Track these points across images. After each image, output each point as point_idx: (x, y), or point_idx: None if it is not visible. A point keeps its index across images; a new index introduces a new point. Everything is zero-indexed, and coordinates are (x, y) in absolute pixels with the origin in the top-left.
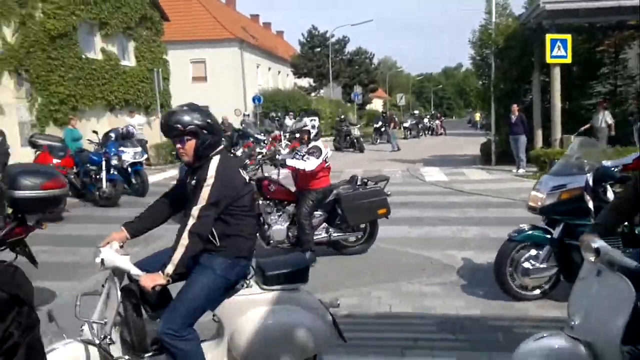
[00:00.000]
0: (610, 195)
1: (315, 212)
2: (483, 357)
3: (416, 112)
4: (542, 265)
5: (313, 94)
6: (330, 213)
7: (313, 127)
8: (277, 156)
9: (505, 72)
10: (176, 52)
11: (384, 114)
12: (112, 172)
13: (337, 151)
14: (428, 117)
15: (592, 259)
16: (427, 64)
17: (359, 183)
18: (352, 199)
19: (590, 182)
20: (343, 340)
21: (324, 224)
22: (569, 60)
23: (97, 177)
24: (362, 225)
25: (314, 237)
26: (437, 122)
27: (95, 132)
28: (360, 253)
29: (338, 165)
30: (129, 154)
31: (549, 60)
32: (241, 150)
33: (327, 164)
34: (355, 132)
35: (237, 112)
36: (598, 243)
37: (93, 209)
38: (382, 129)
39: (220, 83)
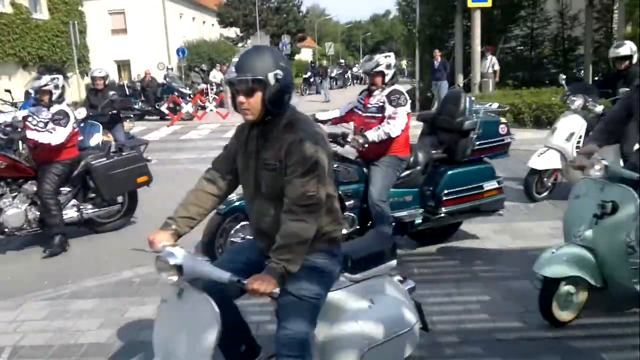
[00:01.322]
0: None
1: (62, 188)
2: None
3: (342, 61)
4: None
5: (240, 45)
6: (81, 187)
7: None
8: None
9: (429, 17)
10: (93, 2)
11: (312, 64)
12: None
13: None
14: (357, 66)
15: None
16: (356, 11)
17: (113, 150)
18: (105, 169)
19: None
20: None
21: (74, 200)
22: (489, 4)
23: (7, 135)
24: (120, 198)
25: (63, 218)
26: None
27: (8, 90)
28: (118, 229)
29: None
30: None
31: (470, 4)
32: (165, 105)
33: (76, 129)
34: None
35: (160, 66)
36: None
37: None
38: (312, 80)
39: (141, 35)
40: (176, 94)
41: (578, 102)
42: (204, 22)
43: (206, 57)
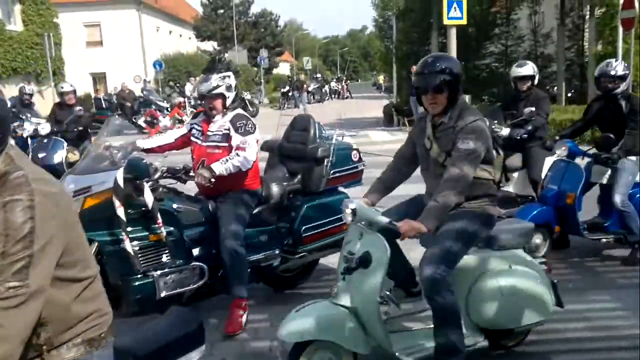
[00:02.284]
0: (148, 195)
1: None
2: None
3: (319, 76)
4: None
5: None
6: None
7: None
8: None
9: (406, 34)
10: (68, 14)
11: (289, 78)
12: None
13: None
14: (334, 80)
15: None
16: (333, 27)
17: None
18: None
19: (121, 181)
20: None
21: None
22: (464, 21)
23: None
24: None
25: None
26: (344, 85)
27: None
28: None
29: None
30: (30, 124)
31: (446, 21)
32: (143, 119)
33: None
34: (246, 95)
35: (137, 79)
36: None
37: None
38: (289, 94)
39: (117, 48)
40: (154, 107)
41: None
42: (180, 35)
43: (183, 70)
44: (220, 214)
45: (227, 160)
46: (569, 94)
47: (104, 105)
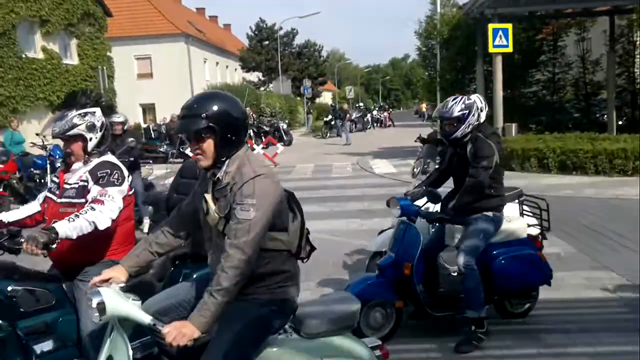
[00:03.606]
0: None
1: None
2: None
3: (361, 104)
4: None
5: (262, 89)
6: None
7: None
8: None
9: (450, 62)
10: (120, 48)
11: (332, 107)
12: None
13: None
14: (376, 109)
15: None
16: (375, 56)
17: None
18: None
19: None
20: None
21: None
22: (510, 49)
23: (42, 181)
24: None
25: None
26: (385, 114)
27: (38, 134)
28: None
29: (289, 160)
30: None
31: (491, 49)
32: (189, 148)
33: None
34: (282, 125)
35: None
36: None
37: None
38: (332, 122)
39: (166, 79)
40: None
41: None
42: (227, 66)
43: None
44: (78, 295)
45: (76, 216)
46: (620, 122)
47: (153, 135)
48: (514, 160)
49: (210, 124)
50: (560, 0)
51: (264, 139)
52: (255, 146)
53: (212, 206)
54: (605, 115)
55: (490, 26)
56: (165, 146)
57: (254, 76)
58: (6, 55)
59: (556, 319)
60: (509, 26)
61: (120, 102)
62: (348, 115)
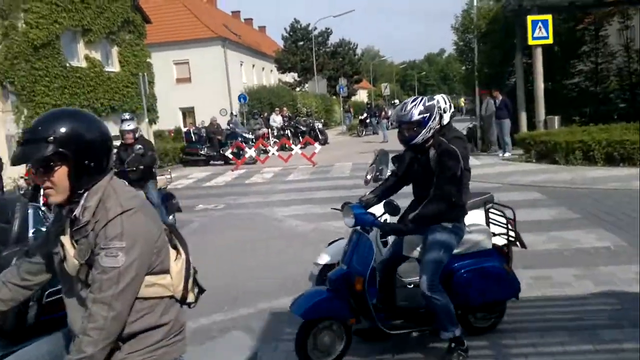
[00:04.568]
0: None
1: None
2: (481, 338)
3: (396, 101)
4: None
5: (298, 89)
6: None
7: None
8: None
9: (488, 56)
10: (159, 54)
11: (368, 105)
12: None
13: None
14: None
15: None
16: (410, 51)
17: None
18: None
19: None
20: None
21: None
22: (550, 40)
23: None
24: None
25: None
26: None
27: None
28: None
29: (327, 159)
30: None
31: (530, 41)
32: (230, 150)
33: None
34: (317, 124)
35: (223, 112)
36: None
37: None
38: (367, 120)
39: (204, 83)
40: (239, 139)
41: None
42: (263, 68)
43: (266, 102)
44: None
45: None
46: None
47: (193, 139)
48: (558, 154)
49: (60, 149)
50: None
51: (301, 139)
52: (293, 146)
53: (70, 251)
54: None
55: (530, 18)
56: (205, 149)
57: (290, 77)
58: (51, 65)
59: (609, 314)
60: (549, 17)
61: (161, 106)
62: (384, 112)
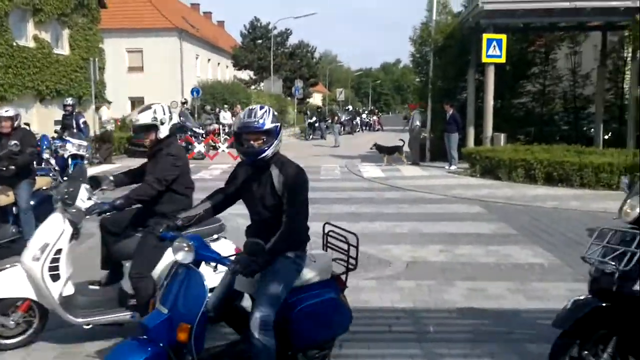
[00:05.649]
0: None
1: None
2: (415, 347)
3: (350, 107)
4: None
5: (253, 87)
6: None
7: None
8: None
9: (443, 70)
10: (112, 40)
11: (318, 109)
12: (43, 165)
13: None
14: (366, 112)
15: None
16: (367, 59)
17: None
18: None
19: None
20: None
21: None
22: (503, 59)
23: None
24: None
25: None
26: (375, 117)
27: (27, 124)
28: None
29: None
30: (72, 145)
31: (484, 59)
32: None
33: None
34: None
35: (174, 104)
36: None
37: None
38: (317, 124)
39: (157, 74)
40: (189, 133)
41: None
42: (218, 63)
43: (219, 97)
44: None
45: None
46: (606, 137)
47: None
48: (501, 170)
49: None
50: (556, 13)
51: None
52: (219, 144)
53: None
54: (593, 129)
55: (485, 36)
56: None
57: (246, 74)
58: None
59: (538, 329)
60: (504, 37)
61: (110, 94)
62: (337, 117)
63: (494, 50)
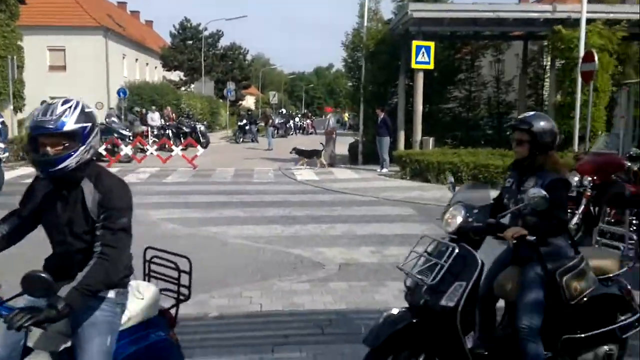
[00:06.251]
0: None
1: None
2: (346, 349)
3: (283, 110)
4: None
5: (183, 89)
6: None
7: None
8: None
9: (374, 75)
10: (32, 37)
11: (249, 112)
12: None
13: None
14: (299, 116)
15: None
16: (300, 63)
17: None
18: None
19: None
20: None
21: None
22: (431, 66)
23: None
24: None
25: None
26: (308, 121)
27: None
28: None
29: (208, 164)
30: None
31: (413, 65)
32: (103, 147)
33: None
34: (200, 127)
35: (99, 105)
36: None
37: None
38: (247, 127)
39: (81, 73)
40: (115, 135)
41: None
42: (147, 63)
43: (147, 99)
44: None
45: None
46: None
47: None
48: (430, 173)
49: None
50: (480, 23)
51: (183, 141)
52: (174, 147)
53: None
54: None
55: (414, 43)
56: None
57: (176, 75)
58: None
59: None
60: (432, 44)
61: (29, 94)
62: (271, 120)
63: (422, 56)
